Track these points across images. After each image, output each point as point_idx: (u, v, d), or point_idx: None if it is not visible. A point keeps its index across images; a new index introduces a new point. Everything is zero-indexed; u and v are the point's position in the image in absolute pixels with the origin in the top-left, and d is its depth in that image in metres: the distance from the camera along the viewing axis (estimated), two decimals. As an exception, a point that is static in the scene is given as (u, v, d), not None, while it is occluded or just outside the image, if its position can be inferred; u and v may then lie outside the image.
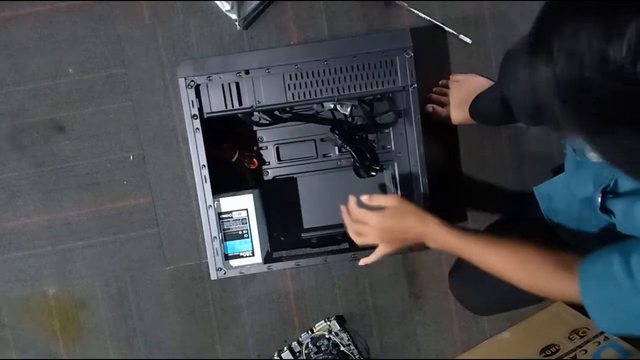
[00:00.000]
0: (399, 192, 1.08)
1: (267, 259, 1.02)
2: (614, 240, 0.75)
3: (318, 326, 1.19)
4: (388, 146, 1.08)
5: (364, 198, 0.88)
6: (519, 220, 1.10)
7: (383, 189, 1.10)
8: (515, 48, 0.87)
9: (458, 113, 1.10)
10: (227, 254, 0.98)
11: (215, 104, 0.98)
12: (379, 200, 0.87)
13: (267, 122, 1.06)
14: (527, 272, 0.76)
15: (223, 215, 0.98)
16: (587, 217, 0.78)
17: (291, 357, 1.19)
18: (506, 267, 0.78)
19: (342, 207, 0.91)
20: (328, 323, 1.18)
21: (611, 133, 0.46)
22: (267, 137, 1.08)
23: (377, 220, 0.85)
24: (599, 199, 0.70)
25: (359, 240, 0.89)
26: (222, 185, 1.01)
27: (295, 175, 1.10)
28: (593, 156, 0.68)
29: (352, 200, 0.90)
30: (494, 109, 0.98)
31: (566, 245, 0.88)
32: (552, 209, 0.93)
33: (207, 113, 0.98)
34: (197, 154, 0.96)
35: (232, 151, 1.04)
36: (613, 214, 0.69)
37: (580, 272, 0.70)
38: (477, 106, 1.06)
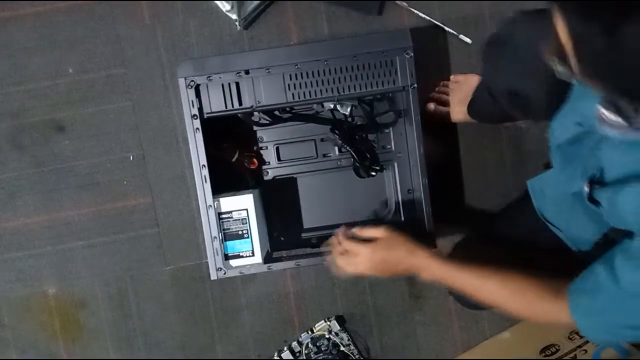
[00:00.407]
0: (399, 192, 1.08)
1: (267, 259, 1.02)
2: (605, 237, 0.75)
3: (318, 326, 1.19)
4: (388, 146, 1.08)
5: (355, 230, 0.91)
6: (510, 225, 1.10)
7: (382, 189, 1.10)
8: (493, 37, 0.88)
9: (458, 112, 1.11)
10: (227, 254, 0.98)
11: (215, 104, 0.98)
12: (369, 232, 0.89)
13: (267, 122, 1.06)
14: (520, 302, 0.77)
15: (223, 215, 0.98)
16: (578, 213, 0.78)
17: (291, 357, 1.19)
18: (499, 298, 0.80)
19: (332, 238, 0.93)
20: (328, 323, 1.18)
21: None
22: (267, 137, 1.08)
23: (368, 252, 0.87)
24: (587, 189, 0.70)
25: (349, 270, 0.89)
26: (222, 185, 1.01)
27: (295, 175, 1.10)
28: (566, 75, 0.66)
29: (341, 232, 0.91)
30: (488, 105, 0.98)
31: (556, 245, 0.88)
32: (544, 204, 0.93)
33: (207, 113, 0.98)
34: (197, 154, 0.96)
35: (232, 151, 1.04)
36: (600, 205, 0.70)
37: (569, 292, 0.72)
38: (473, 104, 1.06)
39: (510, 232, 1.03)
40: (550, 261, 0.82)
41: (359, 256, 0.88)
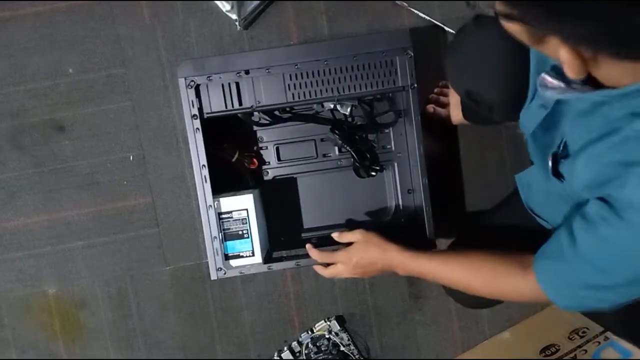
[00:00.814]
0: (399, 192, 1.08)
1: (267, 259, 1.02)
2: None
3: (318, 326, 1.19)
4: (388, 146, 1.08)
5: (334, 235, 0.94)
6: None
7: (382, 189, 1.10)
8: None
9: (458, 114, 1.10)
10: (227, 254, 0.98)
11: (215, 104, 0.98)
12: (346, 237, 0.92)
13: (267, 122, 1.06)
14: (484, 278, 0.78)
15: (223, 215, 0.98)
16: (563, 204, 0.78)
17: (291, 357, 1.19)
18: (464, 277, 0.81)
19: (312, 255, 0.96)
20: (328, 323, 1.18)
21: None
22: (267, 137, 1.08)
23: (345, 258, 0.91)
24: (550, 163, 0.71)
25: (328, 274, 0.94)
26: (222, 185, 1.01)
27: (295, 175, 1.10)
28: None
29: (312, 251, 0.95)
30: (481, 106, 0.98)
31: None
32: (531, 197, 0.94)
33: (207, 113, 0.98)
34: (197, 154, 0.96)
35: (232, 151, 1.04)
36: (564, 178, 0.71)
37: (534, 263, 0.72)
38: (465, 107, 1.07)
39: (499, 227, 1.04)
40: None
41: (338, 265, 0.92)
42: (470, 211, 1.19)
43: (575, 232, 0.66)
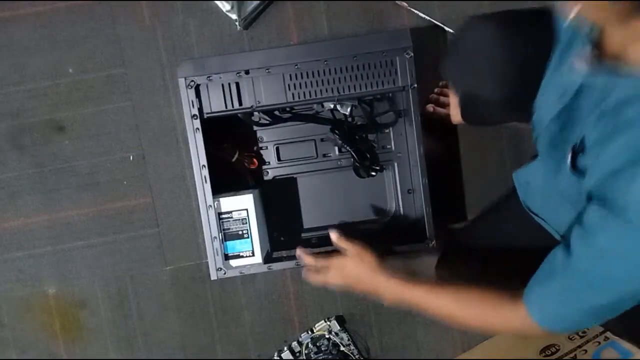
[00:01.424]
0: (399, 192, 1.08)
1: (267, 259, 1.02)
2: None
3: (318, 326, 1.19)
4: (388, 146, 1.08)
5: (333, 235, 0.93)
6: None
7: (382, 189, 1.10)
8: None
9: (458, 113, 1.10)
10: (227, 254, 0.98)
11: (215, 104, 0.98)
12: (343, 243, 0.91)
13: (267, 122, 1.06)
14: (477, 311, 0.75)
15: (223, 215, 0.98)
16: (564, 202, 0.76)
17: (291, 357, 1.19)
18: (452, 308, 0.78)
19: (304, 260, 0.95)
20: (328, 323, 1.18)
21: None
22: (267, 137, 1.08)
23: (339, 264, 0.90)
24: (569, 158, 0.68)
25: (324, 283, 0.92)
26: (222, 185, 1.01)
27: (295, 175, 1.10)
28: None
29: (305, 255, 0.95)
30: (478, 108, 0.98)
31: (542, 240, 0.86)
32: (530, 195, 0.92)
33: (207, 113, 0.98)
34: (197, 154, 0.96)
35: (232, 151, 1.04)
36: (582, 174, 0.67)
37: (525, 293, 0.70)
38: (465, 108, 1.07)
39: (495, 229, 1.03)
40: (534, 257, 0.82)
41: (331, 271, 0.91)
42: (470, 211, 1.18)
43: (572, 242, 0.64)
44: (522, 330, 0.71)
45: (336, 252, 0.92)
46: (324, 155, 1.09)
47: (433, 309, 0.80)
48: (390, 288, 0.84)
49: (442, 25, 1.13)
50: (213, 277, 0.98)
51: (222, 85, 0.97)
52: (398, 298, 0.83)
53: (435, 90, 1.15)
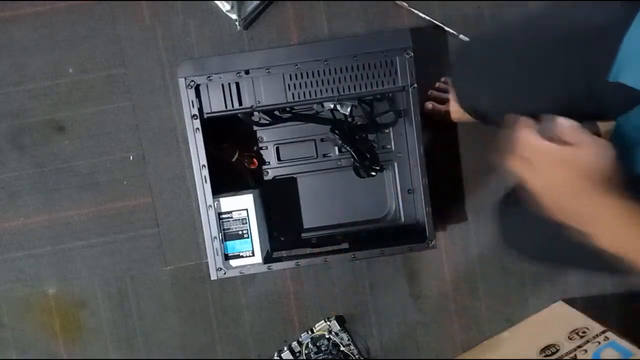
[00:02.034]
0: (399, 192, 1.08)
1: (267, 259, 1.02)
2: None
3: (318, 326, 1.19)
4: (388, 146, 1.08)
5: (562, 120, 0.61)
6: None
7: (382, 189, 1.09)
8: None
9: (457, 111, 1.10)
10: (227, 254, 0.98)
11: (215, 104, 0.98)
12: (578, 136, 0.60)
13: (267, 122, 1.06)
14: None
15: (223, 215, 0.98)
16: None
17: (291, 357, 1.19)
18: None
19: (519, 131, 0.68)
20: (328, 323, 1.18)
21: None
22: (267, 137, 1.08)
23: (563, 156, 0.60)
24: None
25: (526, 179, 0.64)
26: (222, 185, 1.01)
27: (295, 175, 1.10)
28: None
29: (528, 127, 0.67)
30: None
31: None
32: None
33: (207, 113, 0.98)
34: (197, 154, 0.96)
35: (232, 151, 1.04)
36: None
37: None
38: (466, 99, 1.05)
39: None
40: None
41: (543, 159, 0.62)
42: (470, 211, 1.18)
43: None
44: None
45: None
46: (324, 155, 1.09)
47: None
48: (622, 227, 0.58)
49: (442, 25, 1.13)
50: (213, 277, 0.98)
51: (222, 85, 0.97)
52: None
53: (436, 84, 1.14)
